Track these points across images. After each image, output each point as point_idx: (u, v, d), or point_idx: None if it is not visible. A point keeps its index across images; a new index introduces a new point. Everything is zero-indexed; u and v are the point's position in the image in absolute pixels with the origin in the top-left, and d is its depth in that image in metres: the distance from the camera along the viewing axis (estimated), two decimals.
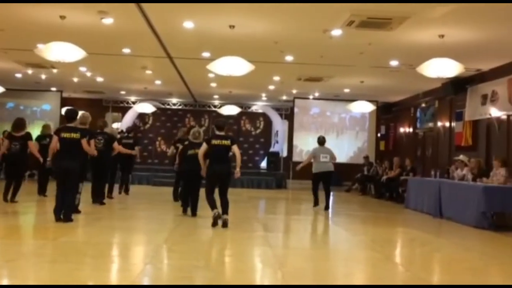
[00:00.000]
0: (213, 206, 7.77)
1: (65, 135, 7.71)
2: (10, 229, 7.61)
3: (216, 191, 7.88)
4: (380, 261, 6.11)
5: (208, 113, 21.43)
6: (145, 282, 4.71)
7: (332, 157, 11.17)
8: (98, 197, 9.99)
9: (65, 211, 7.59)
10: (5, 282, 4.52)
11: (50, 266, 5.12)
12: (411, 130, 17.45)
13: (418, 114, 16.85)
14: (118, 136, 13.60)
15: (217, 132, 7.98)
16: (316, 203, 11.14)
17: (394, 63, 11.91)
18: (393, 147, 18.79)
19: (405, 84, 14.74)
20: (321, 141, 11.38)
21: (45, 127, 11.62)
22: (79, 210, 8.49)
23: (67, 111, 8.19)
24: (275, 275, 5.12)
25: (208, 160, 7.91)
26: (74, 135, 7.69)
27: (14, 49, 11.84)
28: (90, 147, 7.99)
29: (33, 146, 9.90)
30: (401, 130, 18.39)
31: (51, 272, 4.85)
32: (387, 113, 19.13)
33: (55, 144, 7.85)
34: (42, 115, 18.61)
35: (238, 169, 7.92)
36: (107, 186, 10.67)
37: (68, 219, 7.56)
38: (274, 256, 6.01)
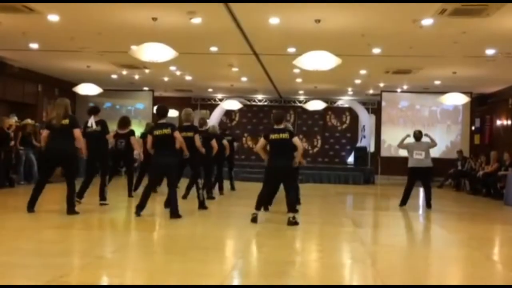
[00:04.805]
0: (261, 205, 7.74)
1: (157, 132, 7.93)
2: (113, 221, 8.08)
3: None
4: (479, 260, 5.80)
5: (293, 109, 21.45)
6: (237, 276, 4.78)
7: (429, 149, 10.75)
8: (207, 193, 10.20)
9: (171, 208, 7.84)
10: (107, 271, 4.78)
11: (148, 257, 5.36)
12: (509, 122, 16.40)
13: None
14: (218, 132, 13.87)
15: (276, 126, 7.64)
16: (403, 202, 10.51)
17: (490, 51, 11.25)
18: (489, 140, 17.76)
19: (502, 74, 13.88)
20: (417, 136, 10.89)
21: (148, 125, 12.08)
22: (206, 206, 8.90)
23: (157, 109, 8.35)
24: (368, 272, 5.01)
25: (269, 155, 7.71)
26: (166, 131, 7.87)
27: (110, 51, 12.48)
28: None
29: (136, 142, 10.21)
30: (498, 122, 17.33)
31: (149, 263, 5.07)
32: (482, 105, 18.10)
33: (150, 142, 8.11)
34: (136, 114, 19.48)
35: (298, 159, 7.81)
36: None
37: (173, 215, 7.72)
38: (365, 252, 5.88)
